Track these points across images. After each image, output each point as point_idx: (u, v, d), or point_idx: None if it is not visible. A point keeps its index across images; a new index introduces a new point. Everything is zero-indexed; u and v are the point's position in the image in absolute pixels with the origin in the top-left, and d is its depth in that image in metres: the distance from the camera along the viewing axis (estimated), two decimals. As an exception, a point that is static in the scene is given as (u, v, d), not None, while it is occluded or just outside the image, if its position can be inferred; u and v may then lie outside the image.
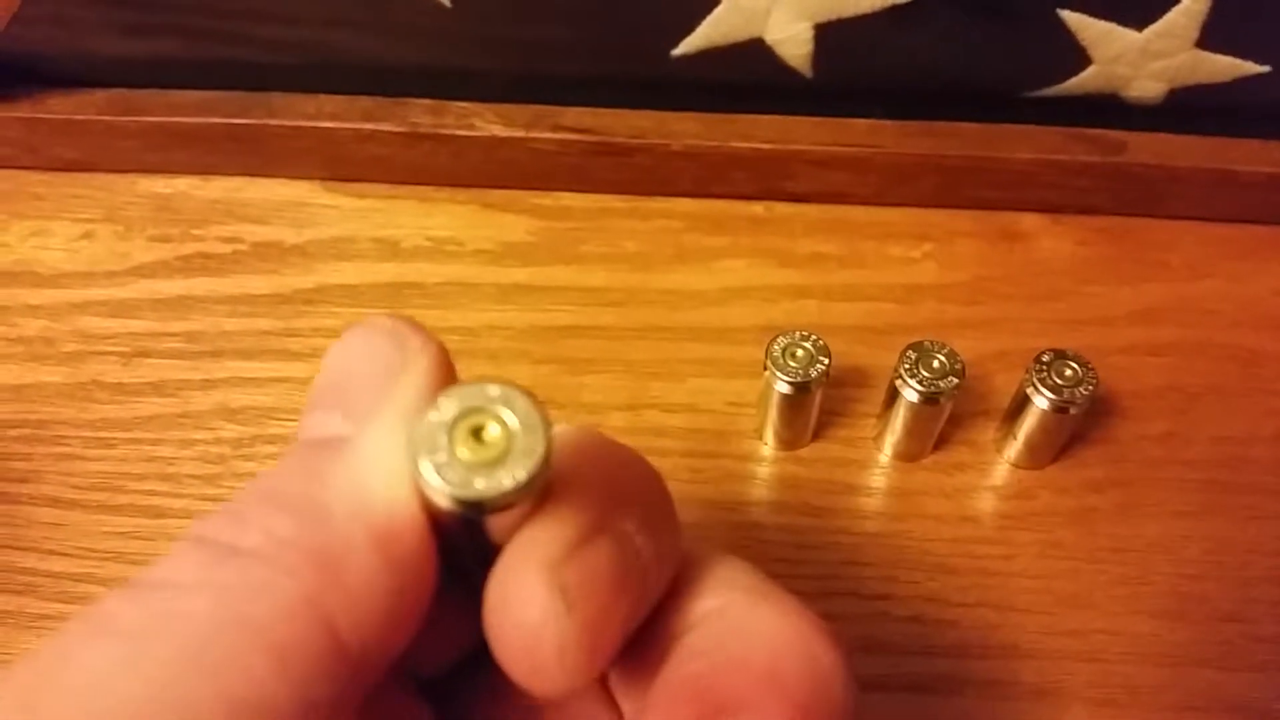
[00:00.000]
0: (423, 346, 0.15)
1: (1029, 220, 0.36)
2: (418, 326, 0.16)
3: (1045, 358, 0.29)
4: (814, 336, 0.29)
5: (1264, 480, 0.31)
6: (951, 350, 0.29)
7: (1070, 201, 0.36)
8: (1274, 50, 0.33)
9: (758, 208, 0.37)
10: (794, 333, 0.29)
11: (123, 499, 0.30)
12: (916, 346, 0.29)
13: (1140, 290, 0.35)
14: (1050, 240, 0.36)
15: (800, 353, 0.29)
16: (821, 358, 0.29)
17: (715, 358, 0.33)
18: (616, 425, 0.32)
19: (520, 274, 0.35)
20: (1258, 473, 0.31)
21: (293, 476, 0.14)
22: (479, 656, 0.17)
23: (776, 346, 0.29)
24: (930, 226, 0.36)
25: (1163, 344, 0.33)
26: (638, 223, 0.36)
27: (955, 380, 0.28)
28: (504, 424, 0.13)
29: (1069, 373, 0.29)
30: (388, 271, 0.35)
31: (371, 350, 0.16)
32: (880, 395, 0.31)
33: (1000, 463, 0.31)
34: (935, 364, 0.29)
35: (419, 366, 0.15)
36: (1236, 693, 0.27)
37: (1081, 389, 0.28)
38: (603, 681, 0.17)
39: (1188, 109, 0.35)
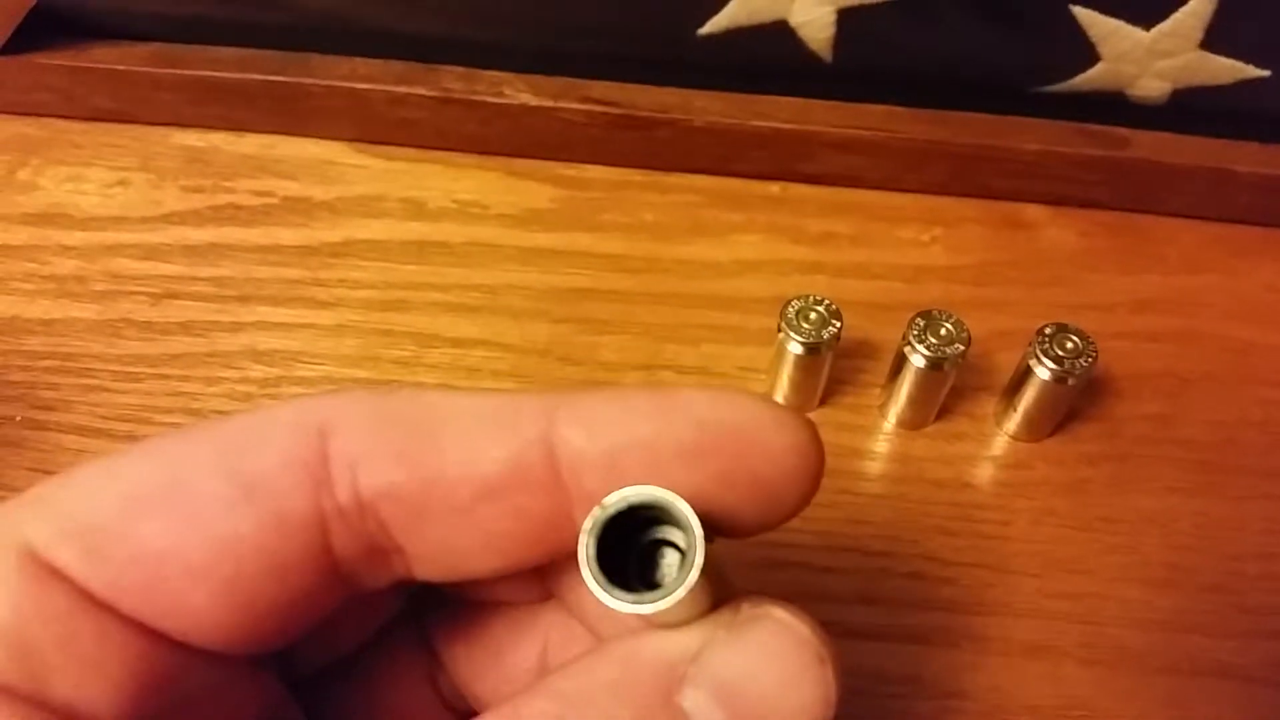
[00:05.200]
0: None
1: (1033, 211, 0.38)
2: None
3: (1048, 330, 0.30)
4: (827, 301, 0.30)
5: (1253, 463, 0.32)
6: (958, 319, 0.30)
7: (1074, 194, 0.37)
8: (1276, 55, 0.34)
9: (774, 187, 0.38)
10: (808, 296, 0.30)
11: (148, 430, 0.31)
12: (925, 315, 0.30)
13: (1139, 280, 0.36)
14: (1054, 230, 0.37)
15: (814, 315, 0.30)
16: (834, 321, 0.30)
17: (728, 325, 0.34)
18: (632, 383, 0.33)
19: (542, 239, 0.36)
20: (1247, 455, 0.32)
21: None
22: (349, 663, 0.18)
23: (791, 309, 0.30)
24: (939, 213, 0.37)
25: (1159, 331, 0.35)
26: (657, 196, 0.38)
27: (961, 348, 0.30)
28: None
29: (1070, 345, 0.30)
30: (414, 230, 0.36)
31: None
32: (886, 368, 0.32)
33: (999, 435, 0.32)
34: (943, 331, 0.30)
35: None
36: (1222, 659, 0.28)
37: (1081, 360, 0.29)
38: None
39: (1189, 110, 0.36)
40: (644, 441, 0.14)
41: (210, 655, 0.15)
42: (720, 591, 0.15)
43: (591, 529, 0.13)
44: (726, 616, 0.14)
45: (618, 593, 0.13)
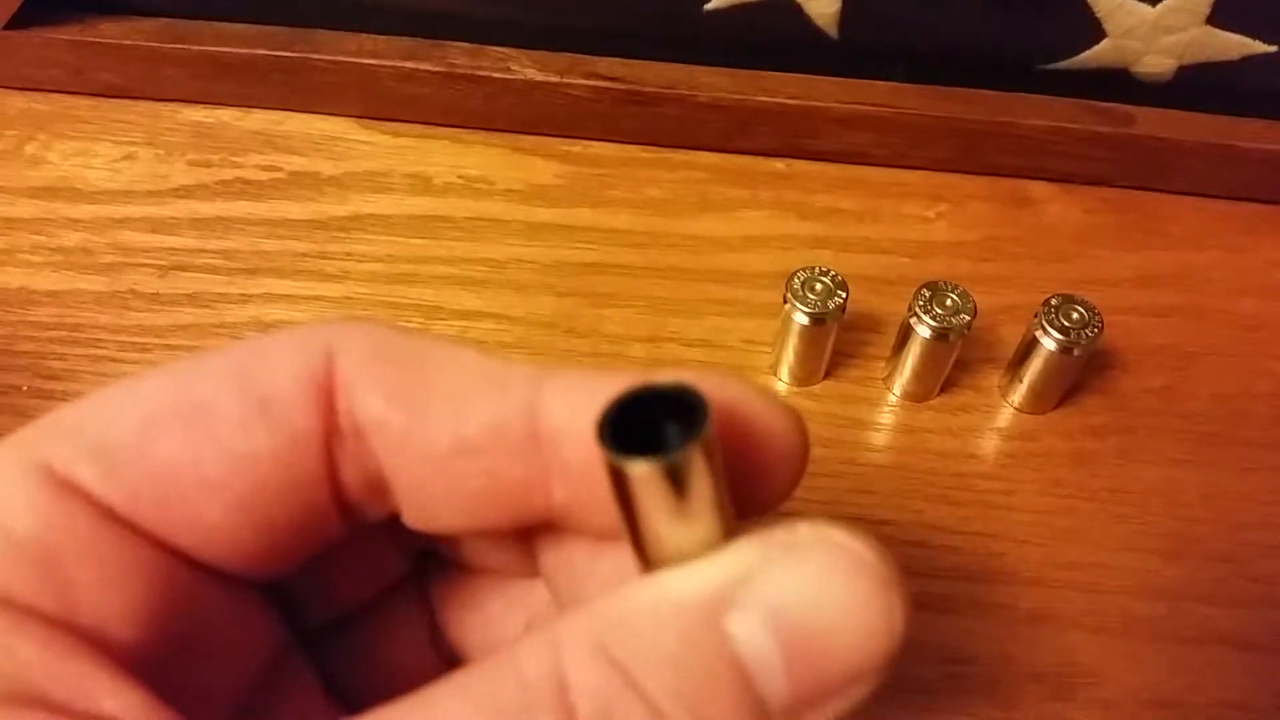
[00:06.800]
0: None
1: (1039, 188, 0.38)
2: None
3: (1054, 301, 0.30)
4: (832, 272, 0.30)
5: (1258, 435, 0.32)
6: (964, 290, 0.30)
7: (1079, 170, 0.37)
8: (1281, 30, 0.34)
9: (779, 164, 0.38)
10: (814, 267, 0.30)
11: (156, 399, 0.31)
12: (931, 285, 0.30)
13: (1144, 256, 0.36)
14: (1059, 207, 0.37)
15: (819, 286, 0.30)
16: (839, 292, 0.30)
17: (733, 299, 0.34)
18: (637, 356, 0.33)
19: (547, 214, 0.36)
20: (1252, 428, 0.32)
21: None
22: (355, 619, 0.18)
23: (796, 280, 0.30)
24: (945, 189, 0.38)
25: (1164, 306, 0.35)
26: (663, 173, 0.38)
27: (966, 318, 0.30)
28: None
29: (1076, 316, 0.30)
30: (420, 205, 0.36)
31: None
32: (890, 341, 0.32)
33: (1004, 406, 0.32)
34: (948, 302, 0.30)
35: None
36: (1226, 627, 0.28)
37: (1087, 331, 0.30)
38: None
39: (1195, 87, 0.36)
40: None
41: (223, 580, 0.15)
42: (728, 530, 0.14)
43: (608, 408, 0.13)
44: (781, 536, 0.13)
45: (629, 453, 0.12)
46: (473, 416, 0.15)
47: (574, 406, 0.15)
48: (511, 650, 0.13)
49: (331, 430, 0.15)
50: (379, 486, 0.16)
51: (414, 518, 0.16)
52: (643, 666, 0.12)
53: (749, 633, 0.13)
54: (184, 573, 0.14)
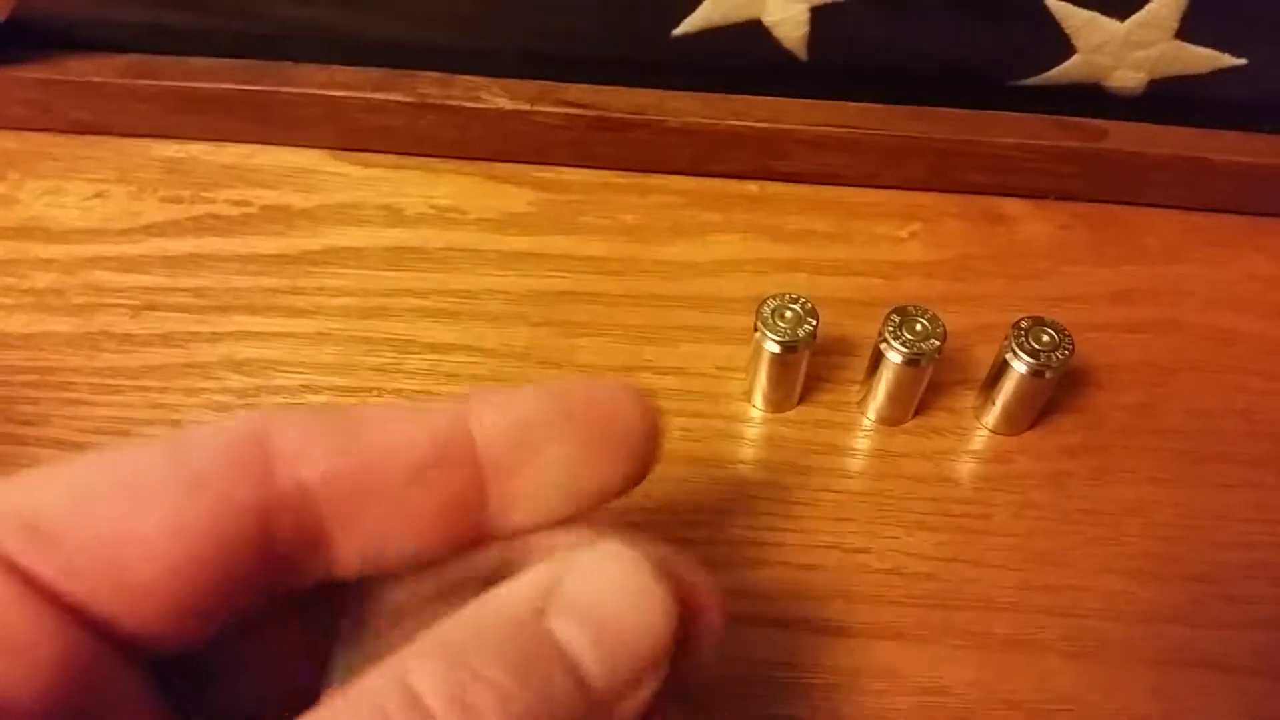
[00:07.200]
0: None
1: (1012, 205, 0.38)
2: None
3: (1024, 324, 0.30)
4: (802, 299, 0.30)
5: (1235, 451, 0.32)
6: (934, 315, 0.30)
7: (1052, 187, 0.37)
8: (1251, 43, 0.34)
9: (752, 186, 0.38)
10: (783, 295, 0.30)
11: (128, 442, 0.31)
12: (900, 310, 0.30)
13: (1118, 271, 0.36)
14: (1033, 224, 0.37)
15: (789, 314, 0.30)
16: (809, 319, 0.30)
17: (707, 325, 0.34)
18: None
19: (521, 242, 0.36)
20: (1229, 444, 0.32)
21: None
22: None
23: (766, 308, 0.30)
24: (917, 208, 0.37)
25: (1139, 322, 0.34)
26: (636, 198, 0.38)
27: (937, 343, 0.30)
28: None
29: (1046, 338, 0.30)
30: (392, 237, 0.36)
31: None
32: (865, 364, 0.32)
33: (979, 429, 0.32)
34: (918, 327, 0.30)
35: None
36: (1205, 649, 0.28)
37: (1058, 354, 0.29)
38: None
39: (1166, 100, 0.36)
40: (540, 412, 0.17)
41: (132, 663, 0.15)
42: None
43: None
44: (577, 553, 0.16)
45: None
46: (417, 441, 0.17)
47: (498, 407, 0.17)
48: (359, 683, 0.14)
49: (268, 500, 0.16)
50: (315, 546, 0.16)
51: (356, 561, 0.17)
52: (485, 664, 0.14)
53: (563, 627, 0.15)
54: (95, 650, 0.15)
